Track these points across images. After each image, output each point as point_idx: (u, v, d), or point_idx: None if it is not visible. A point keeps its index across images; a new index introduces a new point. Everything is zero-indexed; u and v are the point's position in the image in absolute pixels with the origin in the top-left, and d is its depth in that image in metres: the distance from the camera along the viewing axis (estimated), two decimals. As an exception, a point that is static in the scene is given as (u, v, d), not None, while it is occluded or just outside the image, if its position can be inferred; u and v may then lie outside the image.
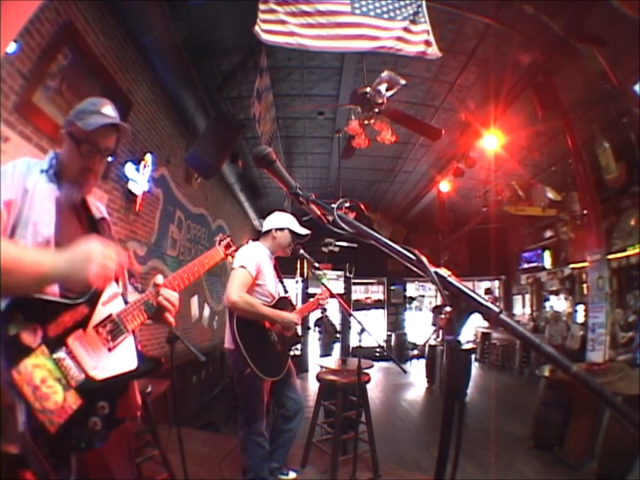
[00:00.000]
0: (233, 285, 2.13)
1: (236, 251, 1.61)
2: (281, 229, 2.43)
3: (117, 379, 0.98)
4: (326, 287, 2.58)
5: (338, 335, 10.25)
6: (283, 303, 2.41)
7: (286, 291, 2.55)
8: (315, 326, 10.08)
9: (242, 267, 2.18)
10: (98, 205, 1.24)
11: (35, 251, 0.92)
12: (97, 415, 0.93)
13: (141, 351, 1.08)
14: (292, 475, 2.62)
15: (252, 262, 2.22)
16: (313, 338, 9.96)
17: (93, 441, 0.92)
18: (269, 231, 2.44)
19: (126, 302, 1.08)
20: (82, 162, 1.07)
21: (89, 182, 1.12)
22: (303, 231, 2.44)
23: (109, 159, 1.14)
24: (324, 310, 10.12)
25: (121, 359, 1.00)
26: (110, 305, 1.02)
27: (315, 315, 10.09)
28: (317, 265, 2.64)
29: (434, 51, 3.14)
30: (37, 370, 0.86)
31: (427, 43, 3.14)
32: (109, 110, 1.12)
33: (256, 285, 2.27)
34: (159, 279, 1.15)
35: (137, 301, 1.09)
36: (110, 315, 1.01)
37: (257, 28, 2.78)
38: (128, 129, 1.14)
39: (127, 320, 1.04)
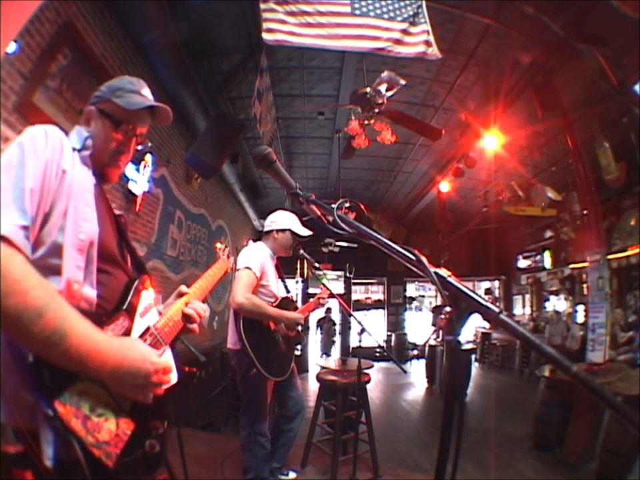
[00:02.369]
0: (239, 287, 2.12)
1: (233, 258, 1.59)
2: (282, 230, 2.42)
3: (165, 395, 0.88)
4: (326, 286, 2.58)
5: (334, 339, 10.26)
6: (286, 303, 2.42)
7: (288, 291, 2.55)
8: (317, 326, 10.07)
9: (247, 267, 2.18)
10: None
11: (102, 340, 0.74)
12: (153, 436, 0.85)
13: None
14: (292, 475, 2.63)
15: (256, 263, 2.23)
16: (313, 338, 9.97)
17: (152, 465, 0.84)
18: (270, 232, 2.44)
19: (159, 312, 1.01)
20: (116, 145, 0.94)
21: (120, 168, 0.99)
22: (305, 232, 2.43)
23: (139, 147, 1.02)
24: (328, 310, 10.13)
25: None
26: (147, 316, 0.94)
27: (318, 315, 10.09)
28: (317, 265, 2.64)
29: (434, 52, 3.14)
30: (85, 398, 0.73)
31: (427, 43, 3.14)
32: (147, 92, 1.02)
33: (260, 286, 2.27)
34: (184, 288, 1.11)
35: (170, 313, 1.02)
36: (148, 328, 0.92)
37: (263, 29, 2.80)
38: (170, 113, 1.02)
39: (164, 332, 0.97)
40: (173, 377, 0.91)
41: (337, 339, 10.53)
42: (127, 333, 0.86)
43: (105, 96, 0.97)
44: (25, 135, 0.80)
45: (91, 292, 0.83)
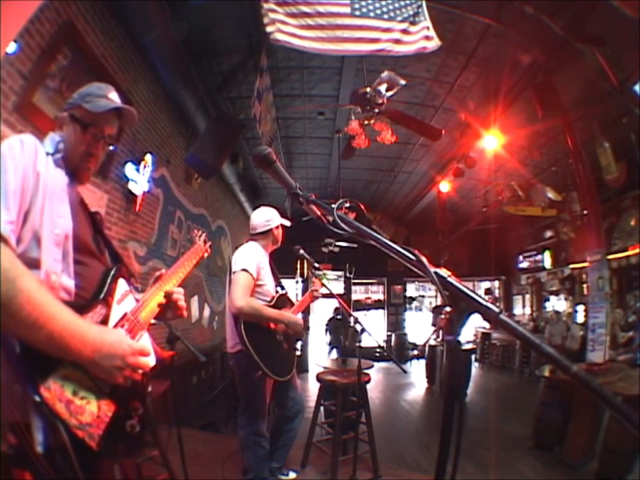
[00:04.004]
0: (237, 290, 2.12)
1: (211, 245, 1.65)
2: (277, 227, 2.48)
3: (143, 376, 0.94)
4: (321, 282, 2.59)
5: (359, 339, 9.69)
6: (282, 301, 2.42)
7: (282, 288, 2.55)
8: (326, 328, 9.73)
9: (244, 270, 2.17)
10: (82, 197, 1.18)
11: (82, 324, 0.81)
12: (133, 416, 0.89)
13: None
14: (292, 475, 2.63)
15: (253, 264, 2.22)
16: (313, 338, 9.90)
17: (134, 446, 0.88)
18: (269, 231, 2.45)
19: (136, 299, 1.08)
20: (85, 147, 1.02)
21: (90, 169, 1.06)
22: (288, 223, 2.55)
23: (110, 147, 1.10)
24: (337, 310, 9.91)
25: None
26: (123, 303, 1.00)
27: (326, 315, 9.91)
28: (317, 265, 2.64)
29: (434, 44, 3.13)
30: (67, 382, 0.79)
31: (427, 38, 3.13)
32: (114, 96, 1.09)
33: (256, 286, 2.27)
34: (161, 272, 1.19)
35: (146, 298, 1.09)
36: (125, 314, 0.98)
37: (266, 30, 2.80)
38: (134, 115, 1.10)
39: (141, 317, 1.03)
40: (151, 360, 0.95)
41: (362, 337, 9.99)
42: (105, 319, 0.92)
43: (76, 102, 1.04)
44: (4, 145, 0.88)
45: (69, 282, 0.90)
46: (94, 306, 0.91)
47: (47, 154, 0.97)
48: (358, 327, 2.37)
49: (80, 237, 0.96)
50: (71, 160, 1.01)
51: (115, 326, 0.94)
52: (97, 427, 0.80)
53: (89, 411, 0.79)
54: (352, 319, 2.42)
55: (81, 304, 0.89)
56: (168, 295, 1.15)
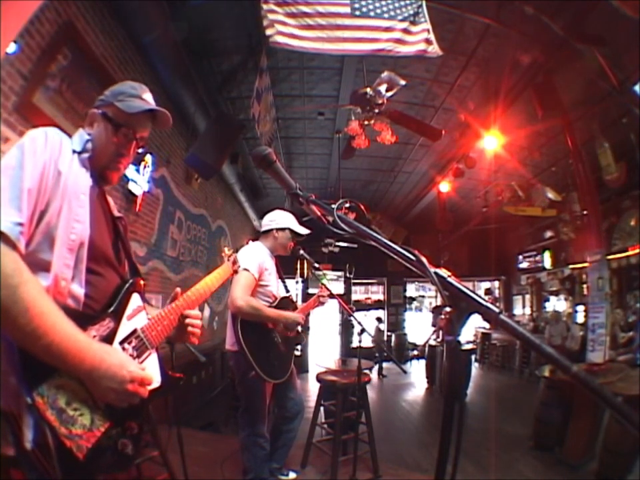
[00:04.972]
0: (237, 289, 2.11)
1: (239, 266, 1.52)
2: (282, 229, 2.42)
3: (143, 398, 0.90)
4: (325, 286, 2.57)
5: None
6: (285, 303, 2.41)
7: (287, 291, 2.55)
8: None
9: (245, 269, 2.15)
10: (110, 199, 1.10)
11: (82, 340, 0.77)
12: (127, 435, 0.86)
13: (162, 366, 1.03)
14: (292, 475, 2.63)
15: (254, 263, 2.21)
16: (313, 339, 9.92)
17: (123, 464, 0.85)
18: (269, 231, 2.44)
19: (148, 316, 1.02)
20: (116, 147, 0.97)
21: (120, 170, 1.01)
22: (304, 230, 2.44)
23: (139, 150, 1.05)
24: (351, 314, 9.71)
25: (146, 371, 0.91)
26: (135, 319, 0.95)
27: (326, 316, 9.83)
28: (317, 265, 2.63)
29: (434, 49, 3.13)
30: (62, 391, 0.77)
31: (428, 41, 3.14)
32: (149, 97, 1.04)
33: (259, 286, 2.26)
34: (179, 290, 1.11)
35: (159, 316, 1.02)
36: (135, 330, 0.93)
37: (265, 31, 2.80)
38: (169, 118, 1.05)
39: (151, 336, 0.97)
40: (155, 382, 0.92)
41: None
42: (112, 334, 0.88)
43: (108, 100, 1.00)
44: (26, 137, 0.84)
45: (78, 290, 0.86)
46: (102, 319, 0.87)
47: (73, 152, 0.93)
48: (357, 327, 2.37)
49: (97, 244, 0.92)
50: (100, 160, 0.97)
51: (122, 342, 0.90)
52: (87, 440, 0.78)
53: (80, 423, 0.78)
54: (353, 319, 2.42)
55: (88, 314, 0.86)
56: (182, 318, 1.08)
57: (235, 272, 1.47)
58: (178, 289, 1.12)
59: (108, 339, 0.87)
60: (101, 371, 0.77)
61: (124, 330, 0.91)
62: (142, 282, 1.02)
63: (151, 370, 0.95)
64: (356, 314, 2.47)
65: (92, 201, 0.93)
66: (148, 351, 0.96)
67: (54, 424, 0.74)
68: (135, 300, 0.97)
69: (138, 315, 0.96)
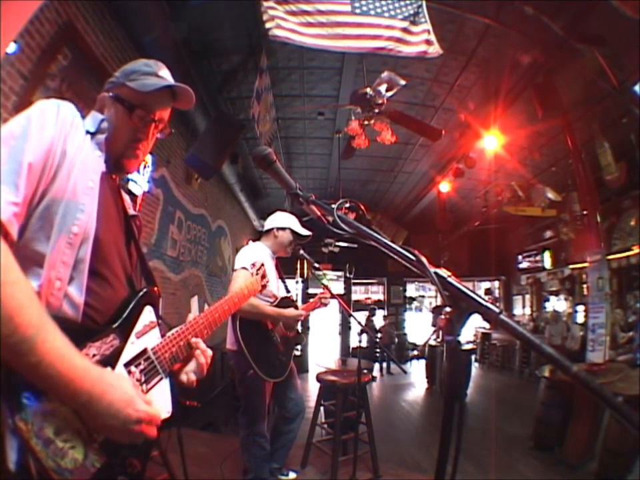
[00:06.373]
0: (235, 288, 2.11)
1: (267, 280, 1.45)
2: (283, 229, 2.42)
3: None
4: (326, 286, 2.57)
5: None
6: (285, 303, 2.41)
7: (288, 291, 2.55)
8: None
9: (244, 268, 2.14)
10: (125, 195, 0.96)
11: (78, 365, 0.61)
12: (126, 474, 0.72)
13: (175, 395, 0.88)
14: (292, 475, 2.63)
15: (253, 262, 2.21)
16: (313, 339, 9.92)
17: None
18: (270, 230, 2.44)
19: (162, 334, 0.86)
20: (132, 132, 0.85)
21: (138, 157, 0.88)
22: (305, 232, 2.44)
23: (159, 134, 0.93)
24: (351, 314, 9.61)
25: (154, 405, 0.73)
26: (145, 337, 0.80)
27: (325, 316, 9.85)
28: (317, 265, 2.63)
29: (435, 50, 3.14)
30: (51, 418, 0.62)
31: (428, 42, 3.14)
32: (166, 73, 0.92)
33: None
34: (192, 316, 0.94)
35: (175, 336, 0.86)
36: (145, 351, 0.79)
37: (265, 26, 2.79)
38: (191, 95, 0.92)
39: (164, 358, 0.81)
40: (165, 412, 0.80)
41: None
42: (116, 354, 0.73)
43: (119, 81, 0.88)
44: (35, 107, 0.74)
45: (76, 295, 0.72)
46: (105, 334, 0.72)
47: (87, 132, 0.81)
48: (357, 328, 2.37)
49: (104, 242, 0.78)
50: (115, 147, 0.85)
51: (128, 365, 0.75)
52: (79, 476, 0.64)
53: (72, 457, 0.63)
54: (352, 319, 2.42)
55: (89, 328, 0.72)
56: (191, 347, 0.89)
57: (264, 287, 1.36)
58: (192, 316, 0.95)
59: (111, 359, 0.72)
60: (100, 407, 0.62)
61: (131, 350, 0.76)
62: (157, 292, 0.88)
63: (161, 399, 0.81)
64: (356, 314, 2.47)
65: (102, 190, 0.79)
66: (159, 375, 0.81)
67: (39, 455, 0.60)
68: (147, 314, 0.82)
69: (150, 333, 0.81)
